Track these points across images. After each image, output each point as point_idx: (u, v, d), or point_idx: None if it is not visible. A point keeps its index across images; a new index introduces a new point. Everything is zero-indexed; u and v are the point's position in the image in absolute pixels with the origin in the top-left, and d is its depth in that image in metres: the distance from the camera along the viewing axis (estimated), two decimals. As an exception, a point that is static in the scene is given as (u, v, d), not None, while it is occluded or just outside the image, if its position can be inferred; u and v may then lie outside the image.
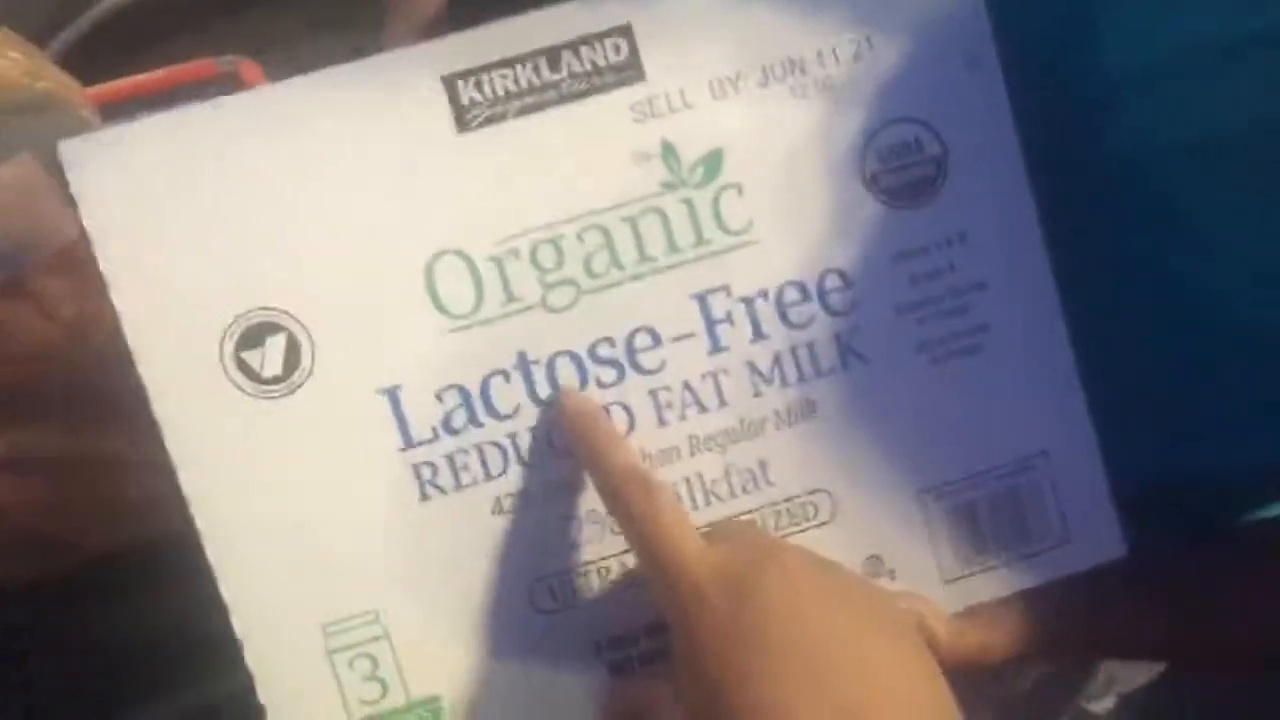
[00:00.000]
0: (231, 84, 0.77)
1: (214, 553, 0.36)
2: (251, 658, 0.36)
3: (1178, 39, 0.34)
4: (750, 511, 0.38)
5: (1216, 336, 0.38)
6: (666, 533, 0.33)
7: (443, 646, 0.37)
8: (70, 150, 0.34)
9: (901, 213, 0.37)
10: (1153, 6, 0.35)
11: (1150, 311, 0.39)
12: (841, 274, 0.37)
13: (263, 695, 0.36)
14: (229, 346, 0.35)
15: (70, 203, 0.79)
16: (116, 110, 0.72)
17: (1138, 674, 0.61)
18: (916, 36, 0.37)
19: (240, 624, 0.36)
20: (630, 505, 0.34)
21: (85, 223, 0.35)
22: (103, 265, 0.35)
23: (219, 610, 0.36)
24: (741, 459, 0.38)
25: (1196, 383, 0.40)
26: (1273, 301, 0.36)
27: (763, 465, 0.38)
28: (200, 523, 0.36)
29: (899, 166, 0.37)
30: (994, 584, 0.39)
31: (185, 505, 0.36)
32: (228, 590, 0.36)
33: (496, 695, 0.37)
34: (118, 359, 0.74)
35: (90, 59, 0.80)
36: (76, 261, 0.74)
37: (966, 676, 0.38)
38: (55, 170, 0.75)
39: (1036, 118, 0.38)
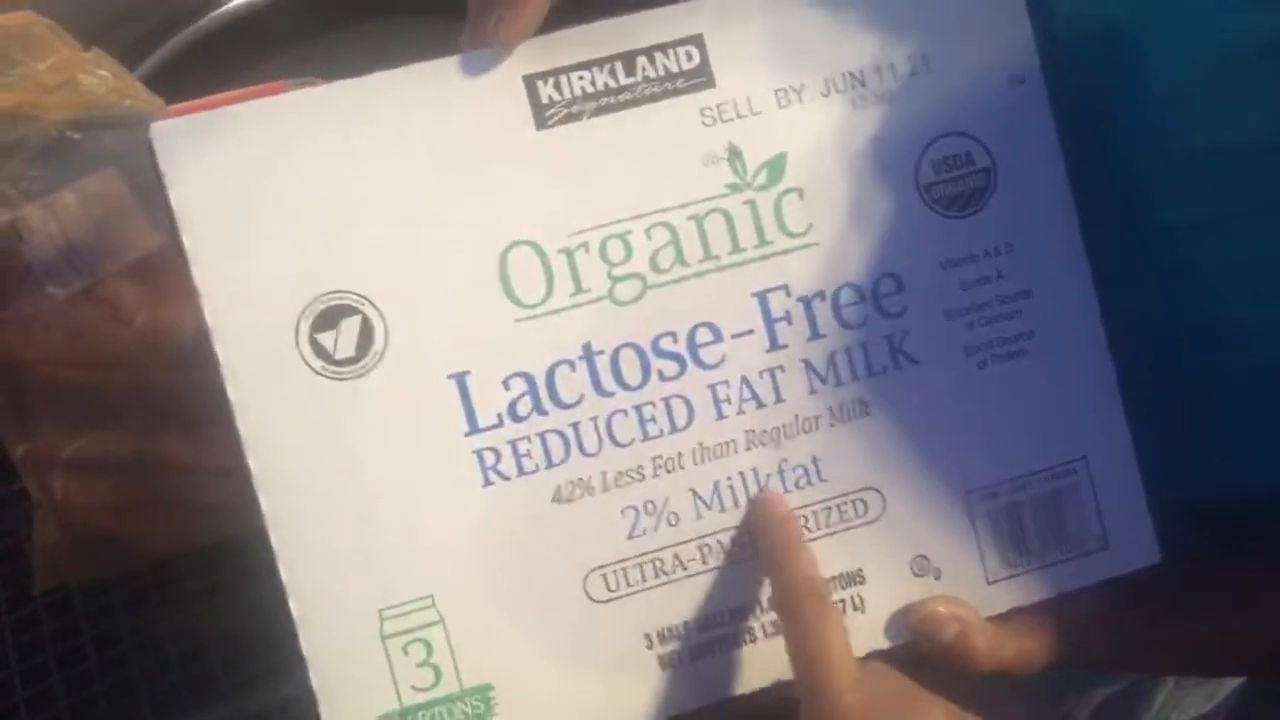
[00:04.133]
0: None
1: (276, 534, 0.36)
2: (306, 642, 0.36)
3: (1217, 49, 0.34)
4: (803, 507, 0.38)
5: (1258, 350, 0.38)
6: (829, 654, 0.34)
7: (496, 635, 0.37)
8: (161, 131, 0.35)
9: (953, 221, 0.38)
10: (1190, 20, 0.35)
11: (1194, 323, 0.39)
12: (895, 278, 0.38)
13: (315, 680, 0.36)
14: (304, 327, 0.36)
15: (152, 216, 0.80)
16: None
17: (1198, 700, 0.59)
18: (967, 54, 0.38)
19: (297, 607, 0.36)
20: (804, 618, 0.35)
21: (171, 201, 0.35)
22: (186, 243, 0.35)
23: (276, 614, 0.36)
24: (795, 455, 0.38)
25: (1234, 395, 0.40)
26: None
27: (815, 462, 0.38)
28: (264, 502, 0.36)
29: (951, 178, 0.38)
30: (1036, 586, 0.40)
31: (248, 501, 0.36)
32: (287, 572, 0.36)
33: (547, 686, 0.37)
34: (188, 365, 0.75)
35: (177, 80, 0.83)
36: (152, 271, 0.77)
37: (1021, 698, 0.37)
38: (138, 184, 0.77)
39: (1082, 131, 0.38)
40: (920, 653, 0.38)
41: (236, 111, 0.35)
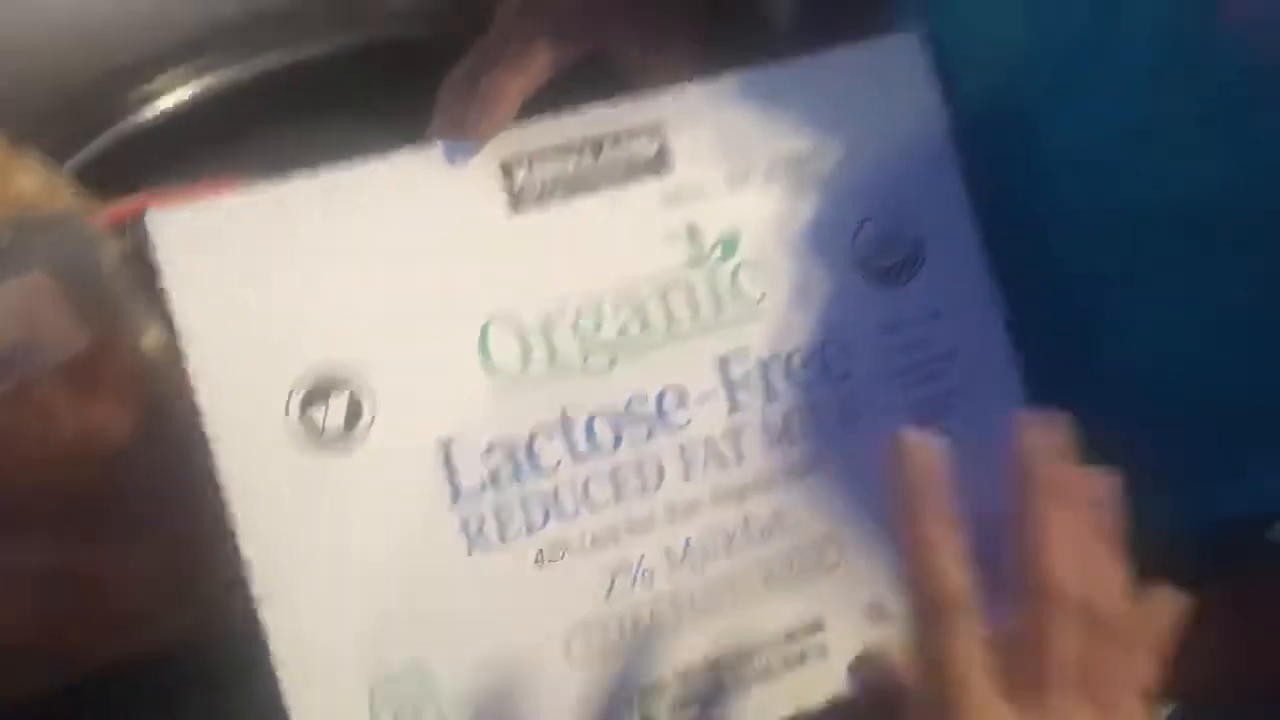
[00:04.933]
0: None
1: (269, 612, 0.37)
2: (290, 696, 0.37)
3: (1119, 126, 0.38)
4: (768, 559, 0.40)
5: (1167, 396, 0.42)
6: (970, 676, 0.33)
7: (487, 699, 0.39)
8: (155, 220, 0.38)
9: (886, 292, 0.43)
10: (1093, 102, 0.39)
11: (1108, 371, 0.43)
12: (840, 343, 0.42)
13: None
14: (295, 402, 0.38)
15: (81, 317, 0.79)
16: (135, 227, 0.75)
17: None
18: (891, 140, 0.43)
19: (289, 683, 0.37)
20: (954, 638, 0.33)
21: (165, 285, 0.37)
22: (179, 324, 0.37)
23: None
24: (758, 510, 0.41)
25: (1146, 439, 0.43)
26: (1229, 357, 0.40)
27: (778, 516, 0.41)
28: (256, 580, 0.37)
29: (881, 252, 0.43)
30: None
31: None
32: (280, 647, 0.37)
33: None
34: (116, 470, 0.73)
35: (109, 176, 0.82)
36: (80, 373, 0.75)
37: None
38: (67, 285, 0.77)
39: (998, 198, 0.41)
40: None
41: (228, 203, 0.38)
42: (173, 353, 0.80)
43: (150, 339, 0.77)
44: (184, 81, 0.95)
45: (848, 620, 0.42)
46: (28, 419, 0.73)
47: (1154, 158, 0.39)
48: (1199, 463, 0.44)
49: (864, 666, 0.39)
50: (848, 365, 0.42)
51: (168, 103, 0.95)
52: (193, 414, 0.37)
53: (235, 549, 0.37)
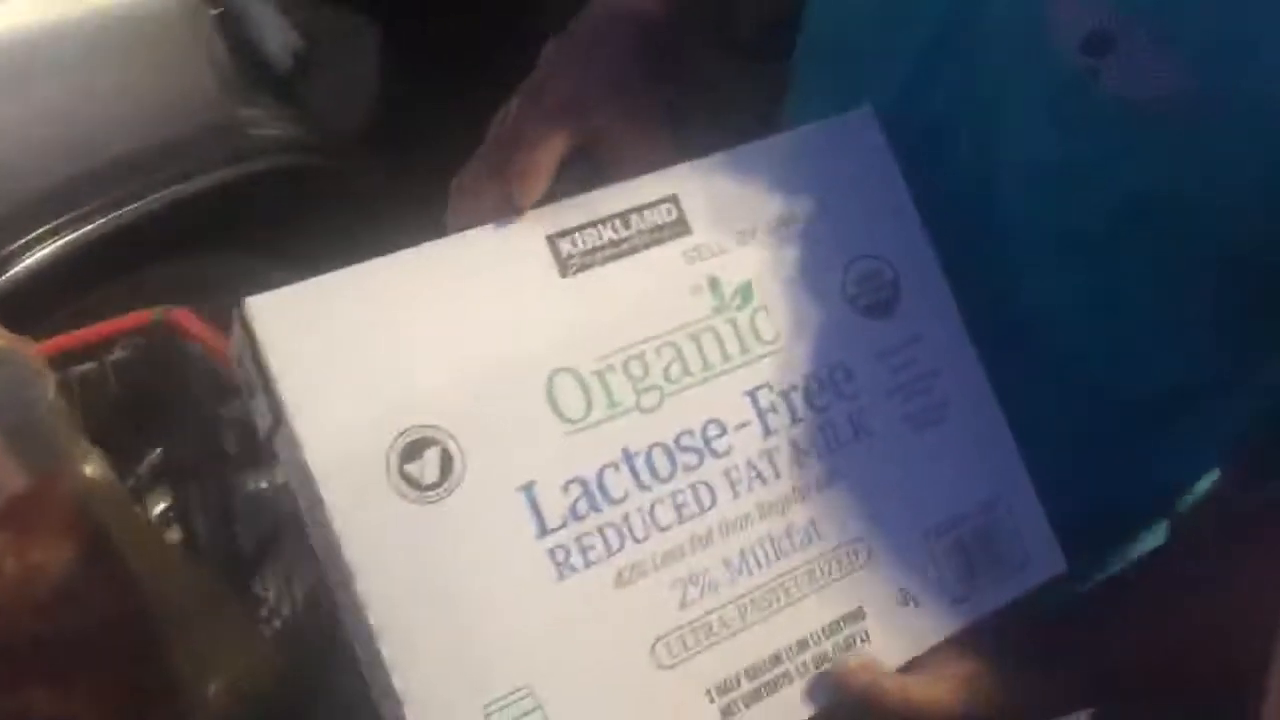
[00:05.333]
0: (167, 331, 0.81)
1: (386, 647, 0.40)
2: None
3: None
4: (811, 559, 0.46)
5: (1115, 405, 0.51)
6: None
7: (586, 710, 0.42)
8: (256, 304, 0.41)
9: (875, 323, 0.49)
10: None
11: (1059, 386, 0.51)
12: (845, 368, 0.48)
13: None
14: (394, 461, 0.41)
15: (19, 457, 0.78)
16: (59, 360, 0.75)
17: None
18: (863, 198, 0.50)
19: (410, 711, 0.40)
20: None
21: (270, 365, 0.40)
22: (286, 398, 0.40)
23: None
24: (797, 519, 0.46)
25: (1094, 446, 0.52)
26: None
27: (813, 523, 0.46)
28: (373, 620, 0.40)
29: (867, 291, 0.49)
30: (987, 598, 0.49)
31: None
32: (400, 680, 0.40)
33: None
34: (55, 611, 0.72)
35: (17, 309, 0.82)
36: (18, 514, 0.74)
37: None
38: (5, 423, 0.75)
39: (955, 239, 0.51)
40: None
41: (320, 285, 0.41)
42: (111, 484, 0.79)
43: (89, 470, 0.76)
44: (75, 226, 0.96)
45: (882, 607, 0.47)
46: (-37, 566, 0.70)
47: (1056, 190, 0.48)
48: (1114, 443, 0.53)
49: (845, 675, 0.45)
50: (854, 387, 0.48)
51: (58, 245, 0.95)
52: (298, 481, 0.40)
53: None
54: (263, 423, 0.42)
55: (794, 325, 0.47)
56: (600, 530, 0.43)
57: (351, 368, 0.41)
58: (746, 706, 0.44)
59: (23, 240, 0.91)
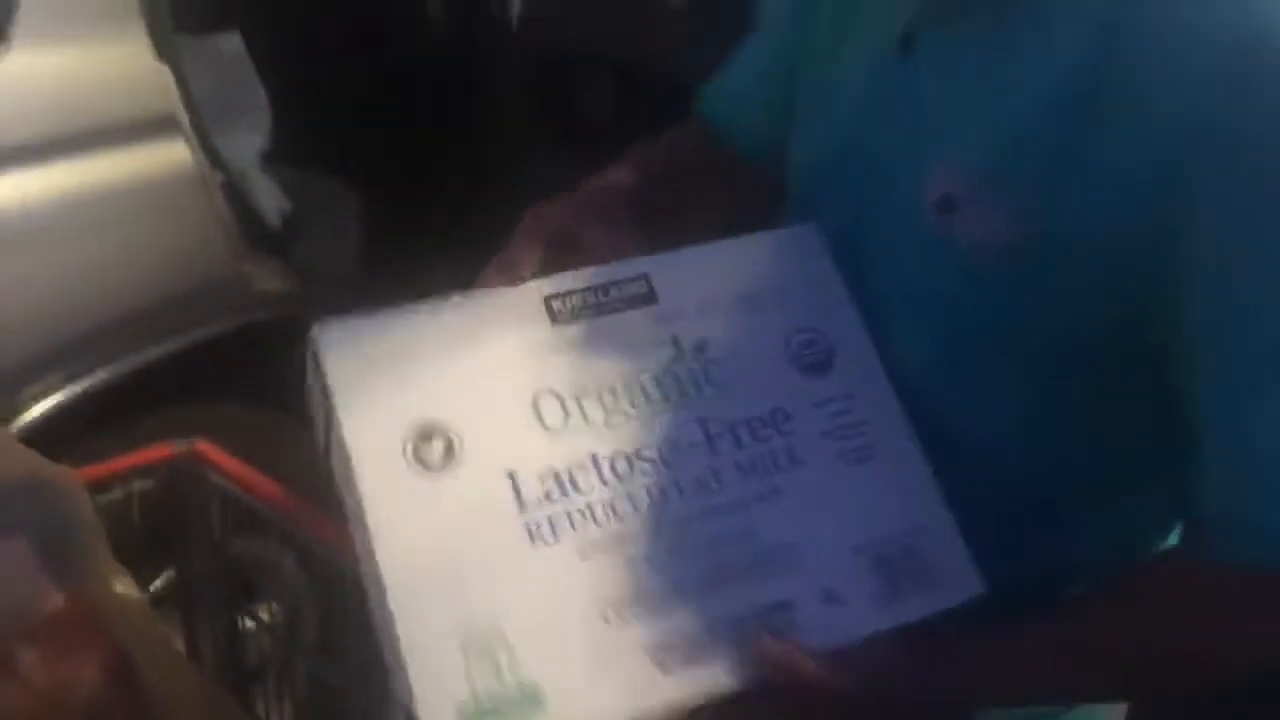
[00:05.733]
0: (191, 460, 0.88)
1: (390, 583, 0.51)
2: (406, 651, 0.49)
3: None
4: (747, 555, 0.55)
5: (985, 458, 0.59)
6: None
7: (545, 655, 0.51)
8: (323, 330, 0.54)
9: (813, 380, 0.59)
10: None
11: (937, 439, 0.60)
12: (784, 412, 0.58)
13: (412, 673, 0.49)
14: (410, 446, 0.53)
15: (50, 573, 0.84)
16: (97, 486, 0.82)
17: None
18: (806, 284, 0.61)
19: (403, 628, 0.50)
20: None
21: (327, 378, 0.53)
22: (336, 402, 0.53)
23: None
24: (737, 522, 0.55)
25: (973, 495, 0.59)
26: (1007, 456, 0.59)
27: (750, 526, 0.55)
28: (383, 568, 0.51)
29: (806, 354, 0.60)
30: (906, 610, 0.56)
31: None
32: (396, 606, 0.50)
33: (579, 686, 0.51)
34: (85, 720, 0.77)
35: (47, 444, 0.88)
36: (52, 630, 0.79)
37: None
38: (42, 547, 0.82)
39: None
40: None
41: (373, 320, 0.55)
42: (138, 603, 0.85)
43: (119, 588, 0.82)
44: (95, 369, 1.05)
45: (810, 602, 0.54)
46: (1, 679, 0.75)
47: (928, 312, 0.59)
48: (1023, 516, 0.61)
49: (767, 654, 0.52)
50: (791, 426, 0.57)
51: (80, 387, 1.04)
52: (341, 468, 0.53)
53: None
54: (321, 432, 0.55)
55: (741, 374, 0.58)
56: (568, 514, 0.53)
57: (386, 380, 0.54)
58: (679, 667, 0.52)
59: (49, 380, 1.00)
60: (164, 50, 1.17)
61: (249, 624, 1.10)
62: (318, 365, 0.53)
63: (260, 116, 1.87)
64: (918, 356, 0.60)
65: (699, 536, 0.54)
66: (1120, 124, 0.51)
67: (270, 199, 1.37)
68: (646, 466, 0.55)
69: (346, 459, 0.52)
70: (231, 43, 1.90)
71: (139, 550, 0.88)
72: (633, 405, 0.56)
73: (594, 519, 0.53)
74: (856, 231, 0.62)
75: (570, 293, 0.57)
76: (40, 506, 0.83)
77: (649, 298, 0.58)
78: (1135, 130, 0.51)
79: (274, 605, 1.12)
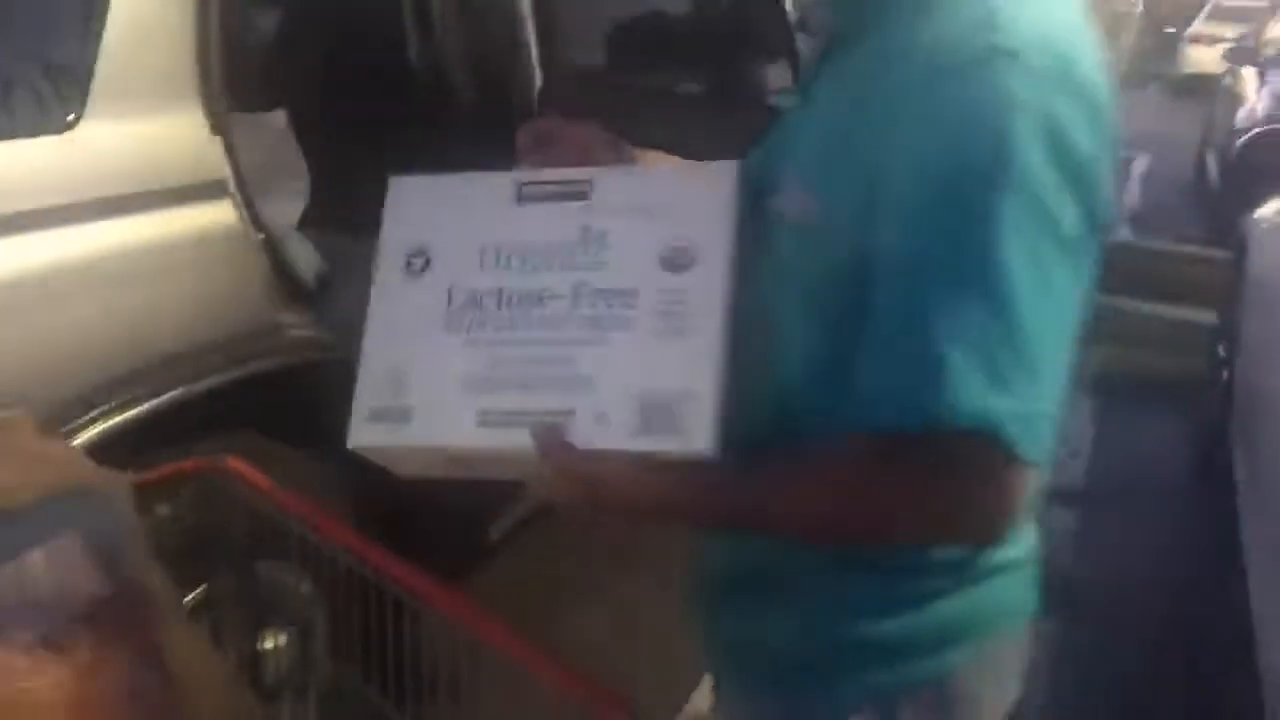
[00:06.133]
0: (223, 476, 1.01)
1: (369, 340, 0.80)
2: (360, 373, 0.81)
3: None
4: (561, 373, 0.76)
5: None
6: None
7: (429, 410, 0.78)
8: (399, 183, 0.84)
9: (670, 275, 0.77)
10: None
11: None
12: (636, 293, 0.77)
13: (357, 388, 0.79)
14: (401, 261, 0.81)
15: (99, 570, 0.95)
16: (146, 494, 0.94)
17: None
18: (700, 206, 0.78)
19: (363, 365, 0.81)
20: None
21: (385, 211, 0.83)
22: (384, 227, 0.83)
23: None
24: (563, 354, 0.77)
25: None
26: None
27: (571, 354, 0.76)
28: (368, 326, 0.80)
29: (673, 256, 0.78)
30: (651, 443, 0.74)
31: None
32: (365, 352, 0.81)
33: (434, 419, 0.77)
34: (123, 702, 0.88)
35: (106, 458, 1.01)
36: (99, 617, 0.91)
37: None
38: (94, 543, 0.93)
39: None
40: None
41: (432, 185, 0.84)
42: (170, 596, 0.96)
43: (154, 581, 0.94)
44: (140, 403, 1.19)
45: (587, 415, 0.75)
46: (46, 658, 0.86)
47: (771, 267, 0.77)
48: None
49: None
50: (637, 302, 0.77)
51: (127, 418, 1.18)
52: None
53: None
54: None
55: (619, 261, 0.78)
56: (471, 319, 0.79)
57: (414, 214, 0.83)
58: (494, 428, 0.76)
59: (106, 407, 1.13)
60: (218, 125, 1.30)
61: (268, 645, 1.21)
62: (391, 201, 0.83)
63: (299, 185, 2.04)
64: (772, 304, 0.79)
65: (538, 353, 0.77)
66: (872, 117, 0.71)
67: (305, 257, 1.51)
68: (529, 302, 0.79)
69: (377, 259, 0.82)
70: (277, 120, 2.08)
71: (172, 567, 1.00)
72: (540, 262, 0.80)
73: (485, 326, 0.79)
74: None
75: (535, 183, 0.82)
76: (91, 507, 0.95)
77: (585, 195, 0.81)
78: (878, 120, 0.70)
79: (291, 630, 1.23)
